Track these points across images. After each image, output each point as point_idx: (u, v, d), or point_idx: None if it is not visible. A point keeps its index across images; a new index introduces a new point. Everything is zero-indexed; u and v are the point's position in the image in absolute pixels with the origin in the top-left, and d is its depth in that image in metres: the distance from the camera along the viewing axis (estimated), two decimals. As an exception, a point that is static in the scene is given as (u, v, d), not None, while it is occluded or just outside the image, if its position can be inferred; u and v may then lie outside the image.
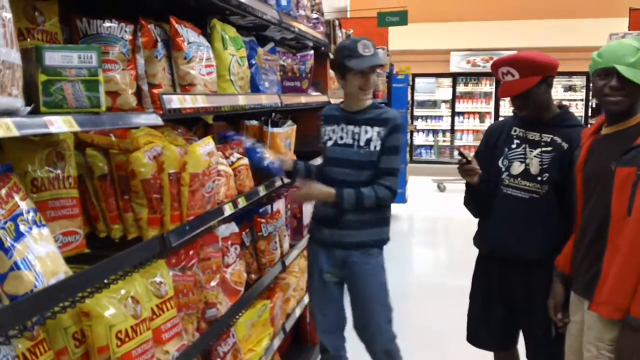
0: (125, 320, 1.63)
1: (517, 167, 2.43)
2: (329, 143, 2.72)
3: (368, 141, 2.61)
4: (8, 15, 1.19)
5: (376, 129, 2.61)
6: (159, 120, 1.78)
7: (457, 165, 2.50)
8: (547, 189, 2.37)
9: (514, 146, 2.46)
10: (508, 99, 2.64)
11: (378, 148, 2.59)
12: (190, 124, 2.42)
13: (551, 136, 2.39)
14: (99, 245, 1.73)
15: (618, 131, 2.02)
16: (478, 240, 2.62)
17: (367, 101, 2.69)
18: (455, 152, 2.52)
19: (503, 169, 2.46)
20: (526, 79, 2.30)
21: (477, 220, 2.65)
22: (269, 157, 2.70)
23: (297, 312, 3.05)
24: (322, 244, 2.75)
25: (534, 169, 2.39)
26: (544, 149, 2.38)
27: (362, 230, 2.70)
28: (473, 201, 2.61)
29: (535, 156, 2.39)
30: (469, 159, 2.43)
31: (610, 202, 1.93)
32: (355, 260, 2.71)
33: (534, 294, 2.43)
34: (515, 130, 2.48)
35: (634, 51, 1.92)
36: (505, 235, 2.44)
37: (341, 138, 2.68)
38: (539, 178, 2.37)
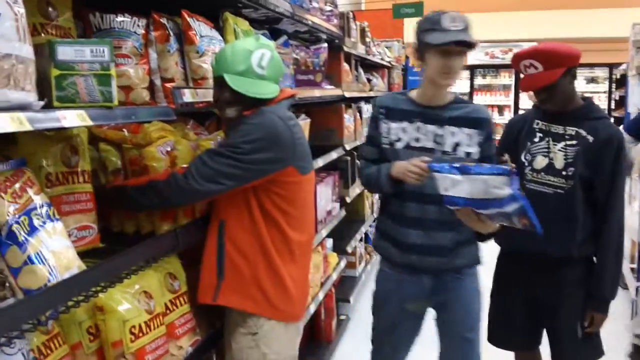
0: (139, 315, 1.64)
1: (541, 162, 2.36)
2: (399, 145, 2.24)
3: (456, 145, 2.19)
4: (21, 10, 1.19)
5: (466, 130, 2.17)
6: (171, 115, 1.78)
7: None
8: (572, 184, 2.29)
9: (536, 140, 2.39)
10: (529, 92, 2.54)
11: (471, 155, 2.18)
12: (203, 118, 2.42)
13: (575, 129, 2.31)
14: (113, 239, 1.74)
15: None
16: (500, 237, 2.57)
17: (449, 94, 2.24)
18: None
19: (526, 164, 2.39)
20: (550, 71, 2.23)
21: None
22: None
23: (312, 309, 3.05)
24: (407, 270, 2.30)
25: (559, 163, 2.32)
26: (568, 142, 2.31)
27: (459, 250, 2.25)
28: None
29: (559, 150, 2.32)
30: (504, 157, 2.29)
31: None
32: (451, 285, 2.29)
33: (559, 292, 2.37)
34: (537, 124, 2.41)
35: None
36: (529, 233, 2.39)
37: (417, 140, 2.21)
38: (564, 172, 2.30)
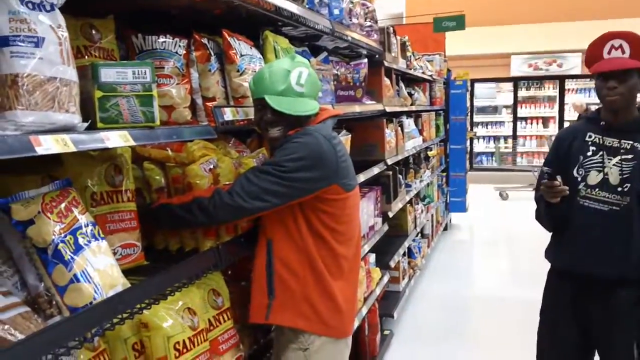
0: (183, 331, 1.64)
1: (595, 177, 2.25)
2: None
3: None
4: (65, 34, 1.23)
5: None
6: (213, 133, 1.80)
7: (542, 185, 2.26)
8: (628, 201, 2.19)
9: (589, 154, 2.28)
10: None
11: None
12: (244, 136, 2.44)
13: (631, 142, 2.21)
14: (157, 257, 1.76)
15: None
16: (551, 254, 2.46)
17: None
18: (539, 171, 2.31)
19: (579, 179, 2.29)
20: (635, 60, 2.13)
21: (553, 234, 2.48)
22: None
23: (356, 324, 3.00)
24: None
25: (614, 178, 2.21)
26: (624, 156, 2.21)
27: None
28: (550, 218, 2.40)
29: (614, 165, 2.22)
30: (557, 179, 2.21)
31: None
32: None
33: (614, 314, 2.26)
34: (590, 137, 2.30)
35: None
36: (583, 252, 2.26)
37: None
38: (619, 189, 2.20)
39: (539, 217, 2.48)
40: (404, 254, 4.78)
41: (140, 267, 1.62)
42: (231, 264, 2.10)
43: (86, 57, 1.51)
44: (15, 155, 1.04)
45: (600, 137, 2.28)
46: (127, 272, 1.46)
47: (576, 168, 2.31)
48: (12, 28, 1.12)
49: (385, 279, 3.92)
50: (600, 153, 2.26)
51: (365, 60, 3.39)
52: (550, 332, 2.47)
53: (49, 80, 1.16)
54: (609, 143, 2.25)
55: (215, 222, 1.85)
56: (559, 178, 2.19)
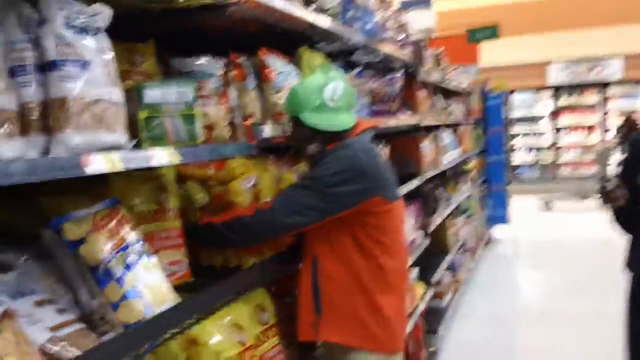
0: (232, 347, 1.65)
1: None
2: None
3: None
4: (110, 56, 1.27)
5: None
6: (253, 150, 1.82)
7: (599, 193, 2.27)
8: None
9: None
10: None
11: None
12: (283, 151, 2.46)
13: None
14: (202, 273, 1.77)
15: None
16: (635, 263, 2.38)
17: None
18: (600, 181, 2.27)
19: None
20: None
21: (630, 240, 2.43)
22: None
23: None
24: None
25: None
26: None
27: None
28: (624, 220, 2.37)
29: None
30: (615, 186, 2.19)
31: None
32: None
33: None
34: None
35: None
36: None
37: None
38: None
39: (614, 220, 2.45)
40: (446, 269, 4.70)
41: (187, 284, 1.64)
42: (275, 280, 2.11)
43: (128, 81, 1.55)
44: (65, 175, 1.08)
45: None
46: (174, 289, 1.48)
47: None
48: (59, 52, 1.16)
49: (429, 294, 3.86)
50: None
51: (399, 73, 3.38)
52: (636, 337, 2.39)
53: (96, 102, 1.19)
54: None
55: (257, 240, 1.87)
56: (613, 182, 2.13)
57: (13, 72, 1.15)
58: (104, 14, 1.28)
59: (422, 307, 3.60)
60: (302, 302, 2.01)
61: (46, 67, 1.17)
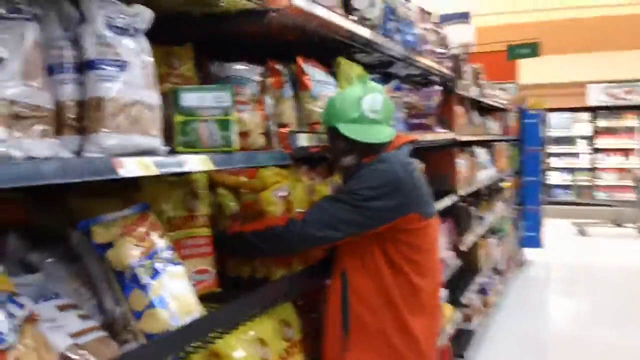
0: (254, 362, 1.60)
1: None
2: None
3: None
4: (149, 58, 1.24)
5: None
6: (287, 159, 1.78)
7: None
8: None
9: None
10: None
11: None
12: (316, 162, 2.42)
13: None
14: (229, 284, 1.73)
15: None
16: None
17: None
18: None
19: None
20: None
21: None
22: None
23: None
24: None
25: None
26: None
27: None
28: None
29: None
30: None
31: None
32: None
33: None
34: None
35: None
36: None
37: None
38: None
39: None
40: (477, 290, 4.58)
41: (213, 294, 1.60)
42: (302, 294, 2.05)
43: (165, 84, 1.53)
44: (97, 178, 1.05)
45: None
46: (199, 298, 1.44)
47: None
48: (98, 52, 1.14)
49: (457, 316, 3.75)
50: None
51: (438, 87, 3.32)
52: None
53: (133, 104, 1.17)
54: None
55: (288, 251, 1.82)
56: None
57: (51, 70, 1.13)
58: (145, 16, 1.26)
59: (450, 329, 3.49)
60: (329, 318, 1.95)
61: (84, 66, 1.15)
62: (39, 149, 0.98)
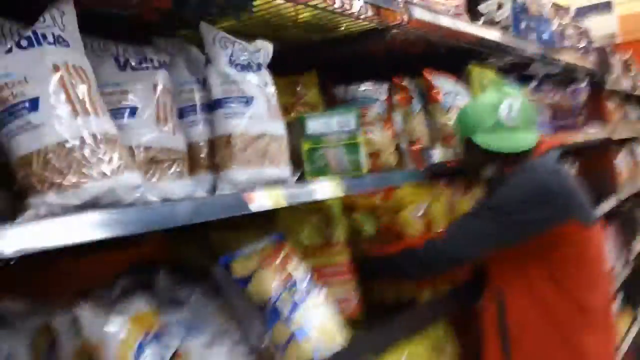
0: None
1: None
2: None
3: None
4: (272, 90, 1.25)
5: None
6: (421, 177, 1.71)
7: None
8: None
9: None
10: None
11: None
12: (453, 176, 2.31)
13: None
14: (371, 307, 1.67)
15: None
16: None
17: None
18: None
19: None
20: None
21: None
22: None
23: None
24: None
25: None
26: None
27: None
28: None
29: None
30: None
31: None
32: None
33: None
34: None
35: None
36: None
37: None
38: None
39: None
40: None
41: (356, 321, 1.55)
42: (452, 316, 1.94)
43: (292, 113, 1.54)
44: (230, 214, 1.06)
45: None
46: (343, 325, 1.40)
47: None
48: (224, 90, 1.17)
49: (635, 329, 3.35)
50: None
51: (584, 84, 3.05)
52: None
53: (260, 137, 1.17)
54: None
55: (429, 273, 1.73)
56: None
57: (182, 113, 1.18)
58: (266, 50, 1.28)
59: (625, 345, 3.13)
60: (487, 342, 1.81)
61: (212, 106, 1.18)
62: (174, 191, 1.02)
